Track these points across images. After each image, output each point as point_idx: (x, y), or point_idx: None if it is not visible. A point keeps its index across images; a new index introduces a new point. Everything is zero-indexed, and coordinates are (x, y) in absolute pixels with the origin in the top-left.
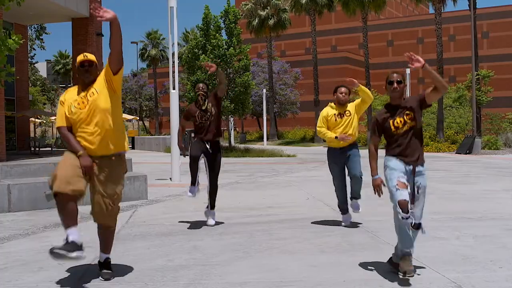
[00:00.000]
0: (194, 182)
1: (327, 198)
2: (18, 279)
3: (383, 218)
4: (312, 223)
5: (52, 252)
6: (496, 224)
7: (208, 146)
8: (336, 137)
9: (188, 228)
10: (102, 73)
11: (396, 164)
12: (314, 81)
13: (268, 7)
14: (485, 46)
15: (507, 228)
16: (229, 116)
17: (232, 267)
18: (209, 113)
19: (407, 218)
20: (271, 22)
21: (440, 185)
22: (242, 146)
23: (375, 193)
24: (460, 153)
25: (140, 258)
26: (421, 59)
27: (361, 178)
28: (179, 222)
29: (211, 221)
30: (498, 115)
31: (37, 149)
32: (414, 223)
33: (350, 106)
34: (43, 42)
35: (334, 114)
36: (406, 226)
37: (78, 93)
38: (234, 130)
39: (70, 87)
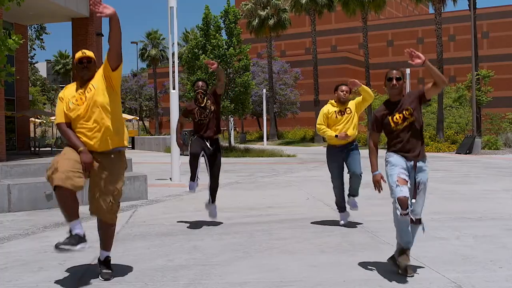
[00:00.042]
0: (193, 177)
1: (327, 198)
2: (18, 279)
3: (383, 218)
4: (312, 223)
5: (58, 247)
6: (496, 224)
7: (208, 143)
8: (336, 136)
9: (188, 228)
10: (101, 70)
11: (396, 160)
12: (314, 81)
13: (268, 7)
14: (485, 46)
15: (507, 228)
16: (229, 116)
17: (232, 267)
18: (208, 110)
19: (405, 215)
20: (271, 22)
21: (440, 185)
22: (242, 146)
23: (375, 189)
24: (460, 153)
25: (140, 258)
26: (421, 55)
27: (361, 176)
28: (179, 222)
29: (213, 213)
30: (498, 115)
31: (37, 149)
32: (416, 218)
33: (351, 104)
34: (43, 42)
35: (335, 111)
36: (404, 223)
37: (76, 90)
38: (234, 130)
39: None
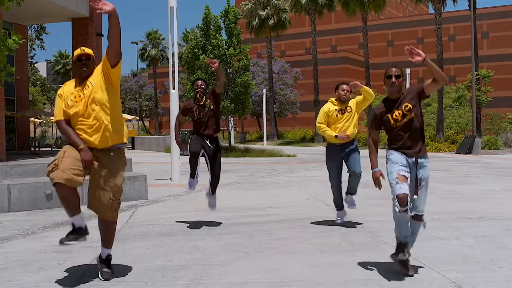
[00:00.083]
0: (193, 175)
1: (327, 198)
2: (18, 279)
3: (383, 218)
4: (312, 223)
5: (62, 243)
6: (496, 224)
7: (207, 142)
8: (336, 136)
9: (188, 228)
10: (99, 66)
11: (397, 157)
12: (314, 81)
13: (268, 7)
14: (485, 46)
15: (507, 228)
16: (229, 116)
17: (232, 267)
18: (207, 109)
19: (404, 212)
20: (271, 22)
21: (440, 185)
22: (242, 146)
23: (375, 186)
24: (460, 153)
25: (140, 258)
26: (421, 53)
27: (360, 175)
28: (179, 222)
29: (212, 203)
30: (498, 115)
31: (37, 149)
32: (418, 214)
33: (352, 103)
34: (43, 42)
35: (335, 110)
36: (403, 219)
37: (75, 87)
38: (234, 130)
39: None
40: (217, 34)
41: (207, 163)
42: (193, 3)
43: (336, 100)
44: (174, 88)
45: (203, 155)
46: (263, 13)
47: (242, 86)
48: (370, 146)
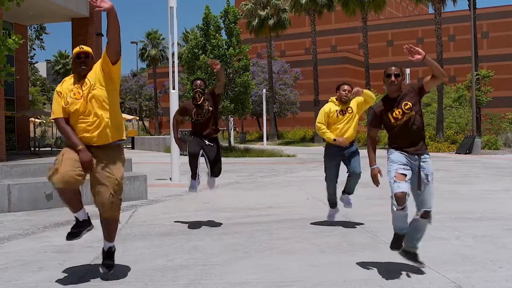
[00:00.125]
0: (194, 176)
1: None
2: (18, 279)
3: (383, 218)
4: (312, 223)
5: (68, 239)
6: (496, 224)
7: (206, 141)
8: (334, 140)
9: (188, 228)
10: (98, 63)
11: (396, 156)
12: (314, 81)
13: (268, 7)
14: (485, 46)
15: (507, 228)
16: (229, 116)
17: (232, 267)
18: (205, 111)
19: (401, 210)
20: (271, 22)
21: (440, 185)
22: (242, 146)
23: (374, 183)
24: (460, 153)
25: (140, 258)
26: (421, 51)
27: (360, 175)
28: (179, 222)
29: (211, 183)
30: (498, 115)
31: (37, 149)
32: (426, 210)
33: (353, 104)
34: (43, 42)
35: (336, 111)
36: (400, 216)
37: (74, 84)
38: (234, 130)
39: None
40: (217, 34)
41: (206, 164)
42: (193, 3)
43: (337, 100)
44: (174, 88)
45: (202, 155)
46: (263, 13)
47: (242, 86)
48: (368, 143)
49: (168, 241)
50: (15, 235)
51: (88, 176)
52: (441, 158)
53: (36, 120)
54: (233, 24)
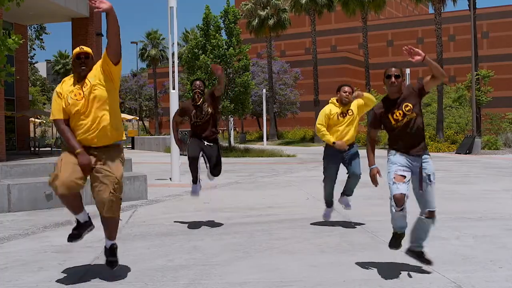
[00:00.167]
0: (195, 180)
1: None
2: (18, 279)
3: (383, 218)
4: (312, 223)
5: (69, 240)
6: (496, 224)
7: (205, 142)
8: (334, 143)
9: (188, 228)
10: (98, 63)
11: (396, 158)
12: (314, 81)
13: (268, 7)
14: (485, 46)
15: (507, 228)
16: (229, 116)
17: (232, 267)
18: (204, 112)
19: (400, 211)
20: (271, 22)
21: (440, 185)
22: (242, 146)
23: (372, 183)
24: (460, 153)
25: (140, 258)
26: (421, 52)
27: (360, 176)
28: (179, 222)
29: (211, 177)
30: (498, 115)
31: (37, 149)
32: (430, 211)
33: (353, 106)
34: (43, 42)
35: (337, 113)
36: (399, 217)
37: (74, 84)
38: (234, 130)
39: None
40: (217, 34)
41: (206, 164)
42: (193, 3)
43: (337, 101)
44: (174, 88)
45: (202, 156)
46: (263, 13)
47: (242, 86)
48: (368, 144)
49: (168, 241)
50: (15, 235)
51: (88, 177)
52: (441, 158)
53: (36, 120)
54: (233, 24)
